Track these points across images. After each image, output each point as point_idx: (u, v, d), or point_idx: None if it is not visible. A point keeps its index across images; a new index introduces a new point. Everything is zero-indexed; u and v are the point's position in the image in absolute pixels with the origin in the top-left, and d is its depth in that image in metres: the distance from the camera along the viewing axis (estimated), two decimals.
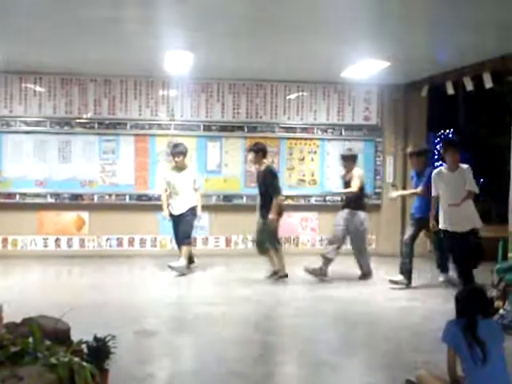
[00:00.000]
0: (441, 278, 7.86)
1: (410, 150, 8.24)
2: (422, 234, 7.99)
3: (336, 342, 5.51)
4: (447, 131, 16.37)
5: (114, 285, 7.86)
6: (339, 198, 8.67)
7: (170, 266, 8.25)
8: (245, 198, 10.03)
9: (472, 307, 3.67)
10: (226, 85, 10.21)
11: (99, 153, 9.97)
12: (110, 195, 9.97)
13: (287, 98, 10.39)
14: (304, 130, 10.42)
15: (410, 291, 7.56)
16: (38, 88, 9.80)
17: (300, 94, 10.42)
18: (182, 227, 8.43)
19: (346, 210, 8.07)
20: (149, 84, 10.03)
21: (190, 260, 8.68)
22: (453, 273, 7.54)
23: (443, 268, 7.85)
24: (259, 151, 8.10)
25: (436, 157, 15.48)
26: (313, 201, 10.41)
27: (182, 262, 8.33)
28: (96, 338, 3.74)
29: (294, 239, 10.51)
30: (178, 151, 8.47)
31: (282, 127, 10.38)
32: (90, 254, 9.83)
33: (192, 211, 8.43)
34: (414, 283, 7.73)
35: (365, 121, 10.58)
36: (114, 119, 9.97)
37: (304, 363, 4.95)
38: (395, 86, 10.39)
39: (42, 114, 9.81)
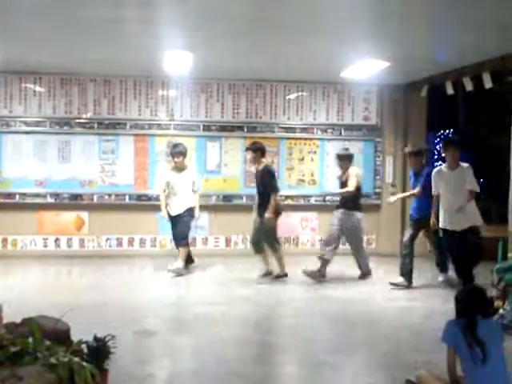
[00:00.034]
0: (440, 278, 7.87)
1: (408, 149, 8.23)
2: (421, 234, 7.99)
3: (336, 341, 5.51)
4: (447, 131, 16.36)
5: (113, 285, 7.86)
6: (339, 198, 8.63)
7: (169, 270, 8.26)
8: (244, 198, 10.03)
9: (472, 307, 3.67)
10: (226, 85, 10.21)
11: (99, 153, 9.97)
12: (109, 195, 9.97)
13: (287, 98, 10.39)
14: (304, 130, 10.42)
15: (410, 291, 7.56)
16: (37, 88, 9.80)
17: (300, 94, 10.42)
18: (179, 228, 8.42)
19: (342, 210, 8.04)
20: (148, 84, 10.03)
21: (190, 260, 8.68)
22: (452, 273, 7.54)
23: (442, 268, 7.85)
24: (257, 150, 8.09)
25: (436, 157, 15.48)
26: (312, 201, 10.41)
27: (179, 263, 8.33)
28: (96, 338, 3.74)
29: (293, 239, 10.51)
30: (177, 151, 8.45)
31: (282, 127, 10.38)
32: (90, 254, 9.83)
33: (189, 212, 8.40)
34: (414, 283, 7.73)
35: (364, 121, 10.59)
36: (114, 119, 9.97)
37: (304, 363, 4.95)
38: (395, 86, 10.39)
39: (42, 114, 9.81)
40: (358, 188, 8.06)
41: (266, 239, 8.06)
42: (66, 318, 3.97)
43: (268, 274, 8.17)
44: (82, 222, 10.01)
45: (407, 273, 7.67)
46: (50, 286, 7.84)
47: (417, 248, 7.90)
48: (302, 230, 10.52)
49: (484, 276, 6.80)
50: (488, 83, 7.95)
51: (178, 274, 8.24)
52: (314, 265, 8.02)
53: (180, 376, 4.52)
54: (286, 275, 8.11)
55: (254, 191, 8.42)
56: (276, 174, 8.47)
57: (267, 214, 7.83)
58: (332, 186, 9.86)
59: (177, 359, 5.00)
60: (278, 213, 8.02)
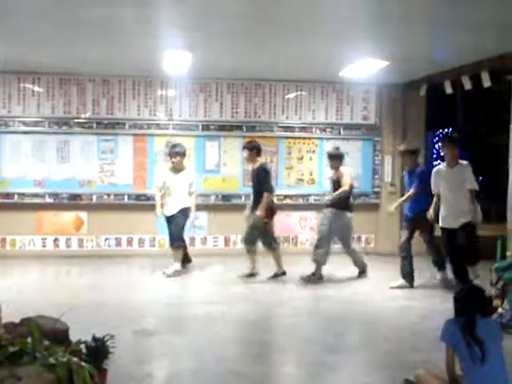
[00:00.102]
0: (438, 277, 7.85)
1: (403, 148, 8.13)
2: (417, 234, 7.95)
3: (334, 341, 5.51)
4: (445, 130, 16.37)
5: (112, 285, 7.86)
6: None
7: (164, 273, 8.25)
8: (243, 198, 10.00)
9: (471, 306, 3.67)
10: (225, 84, 10.21)
11: (98, 153, 9.97)
12: (108, 195, 9.97)
13: (286, 97, 10.39)
14: (302, 129, 10.42)
15: (409, 290, 7.56)
16: (36, 88, 9.79)
17: (298, 93, 10.42)
18: (173, 229, 8.41)
19: (332, 209, 7.97)
20: (147, 84, 10.02)
21: (187, 259, 8.68)
22: (450, 273, 7.54)
23: (440, 266, 7.82)
24: (253, 149, 8.08)
25: (434, 156, 15.49)
26: (311, 200, 10.40)
27: (176, 266, 8.33)
28: (95, 338, 3.74)
29: (292, 238, 10.51)
30: (174, 152, 8.43)
31: (281, 126, 10.38)
32: (89, 254, 9.83)
33: (183, 212, 8.35)
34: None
35: (363, 120, 10.59)
36: (113, 119, 9.96)
37: (303, 363, 4.95)
38: (393, 85, 10.39)
39: (41, 114, 9.80)
40: (351, 187, 8.03)
41: (263, 239, 8.04)
42: (64, 317, 3.96)
43: (250, 275, 8.05)
44: (80, 222, 10.00)
45: (408, 274, 7.67)
46: (49, 286, 7.84)
47: (414, 247, 7.87)
48: (301, 230, 10.53)
49: (483, 275, 6.80)
50: (486, 82, 7.95)
51: (177, 275, 8.24)
52: (310, 265, 8.03)
53: (179, 376, 4.53)
54: (285, 273, 8.10)
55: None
56: (272, 173, 8.42)
57: (258, 212, 7.80)
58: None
59: (176, 359, 5.00)
60: (273, 212, 8.00)
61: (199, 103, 10.16)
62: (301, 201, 10.45)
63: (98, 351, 3.68)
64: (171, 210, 8.37)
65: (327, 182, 10.22)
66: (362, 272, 8.32)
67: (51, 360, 3.26)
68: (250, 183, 8.37)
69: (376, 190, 10.62)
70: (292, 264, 8.28)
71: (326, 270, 8.10)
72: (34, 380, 3.08)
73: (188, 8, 6.00)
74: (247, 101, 10.28)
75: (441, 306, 6.56)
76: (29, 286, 7.69)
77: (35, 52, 8.28)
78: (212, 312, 6.39)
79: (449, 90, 8.97)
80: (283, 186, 10.32)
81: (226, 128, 10.22)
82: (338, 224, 7.98)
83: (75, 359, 3.34)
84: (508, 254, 6.88)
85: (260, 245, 8.13)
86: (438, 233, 7.78)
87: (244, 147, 8.28)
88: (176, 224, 8.36)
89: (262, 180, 7.93)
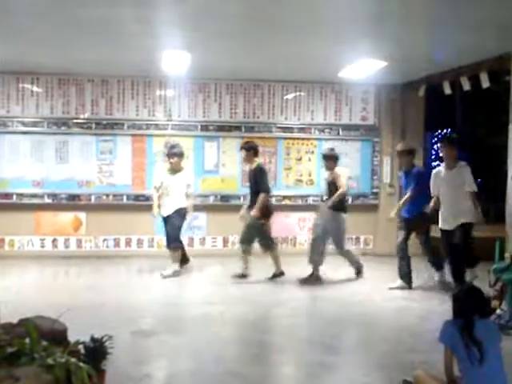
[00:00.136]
0: (436, 278, 7.84)
1: (399, 148, 8.12)
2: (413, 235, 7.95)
3: (333, 342, 5.50)
4: (444, 131, 16.38)
5: (110, 285, 7.85)
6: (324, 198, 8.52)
7: (162, 275, 8.25)
8: (242, 198, 9.99)
9: (469, 307, 3.67)
10: (224, 85, 10.21)
11: (96, 153, 9.96)
12: (107, 195, 9.97)
13: (284, 98, 10.39)
14: (301, 130, 10.42)
15: (407, 291, 7.56)
16: (35, 88, 9.79)
17: (297, 93, 10.42)
18: (169, 230, 8.40)
19: (327, 211, 7.96)
20: (146, 84, 10.02)
21: (185, 259, 8.67)
22: (448, 274, 7.54)
23: (438, 267, 7.80)
24: (250, 149, 8.07)
25: (433, 156, 15.50)
26: (310, 201, 10.39)
27: (174, 267, 8.33)
28: (93, 339, 3.74)
29: (291, 239, 10.51)
30: (171, 153, 8.41)
31: (280, 127, 10.38)
32: (87, 255, 9.82)
33: (179, 213, 8.31)
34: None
35: (362, 121, 10.59)
36: (112, 119, 9.96)
37: (301, 363, 4.95)
38: (392, 85, 10.40)
39: (39, 114, 9.80)
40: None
41: (260, 240, 8.04)
42: (63, 318, 3.96)
43: (241, 276, 8.00)
44: (79, 223, 10.00)
45: (405, 275, 7.66)
46: (47, 287, 7.84)
47: (411, 248, 7.85)
48: (300, 230, 10.52)
49: (481, 276, 6.81)
50: (485, 83, 7.96)
51: (176, 275, 8.24)
52: (309, 266, 8.04)
53: (177, 376, 4.52)
54: (283, 274, 8.10)
55: None
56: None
57: (253, 212, 7.79)
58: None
59: (174, 359, 5.00)
60: (270, 213, 8.00)
61: (198, 104, 10.16)
62: (299, 201, 10.45)
63: (97, 352, 3.68)
64: (168, 210, 8.36)
65: (324, 183, 10.26)
66: (358, 272, 8.31)
67: (49, 361, 3.25)
68: (248, 183, 8.36)
69: (375, 190, 10.62)
70: (290, 265, 8.27)
71: (324, 270, 8.10)
72: (32, 381, 3.07)
73: (187, 8, 6.00)
74: (246, 101, 10.28)
75: (439, 307, 6.57)
76: (27, 287, 7.69)
77: (34, 52, 8.27)
78: (210, 312, 6.39)
79: (448, 90, 8.97)
80: (282, 186, 10.33)
81: (224, 128, 10.22)
82: (333, 225, 7.97)
83: (73, 360, 3.33)
84: (506, 255, 6.88)
85: (257, 246, 8.12)
86: (435, 234, 7.80)
87: (241, 148, 8.27)
88: (172, 225, 8.34)
89: (258, 180, 7.93)
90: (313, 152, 10.47)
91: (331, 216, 7.92)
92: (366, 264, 8.51)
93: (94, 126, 9.91)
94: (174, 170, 8.44)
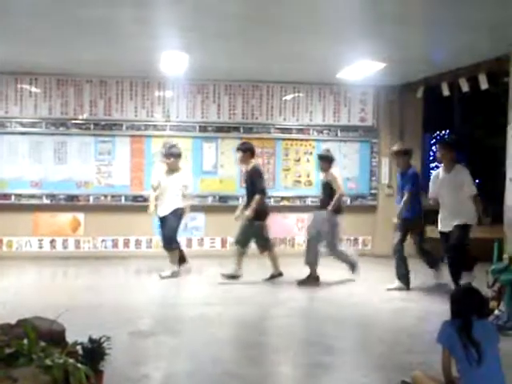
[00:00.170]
0: (435, 279, 7.84)
1: (396, 148, 8.11)
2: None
3: (330, 342, 5.50)
4: (443, 132, 16.40)
5: (109, 286, 7.85)
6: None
7: (160, 276, 8.24)
8: (240, 199, 9.99)
9: (467, 308, 3.67)
10: (222, 86, 10.22)
11: (95, 154, 9.96)
12: (105, 196, 9.97)
13: (283, 99, 10.40)
14: (300, 130, 10.43)
15: (405, 292, 7.56)
16: (33, 89, 9.79)
17: (296, 95, 10.43)
18: (165, 231, 8.38)
19: (322, 212, 7.97)
20: (144, 85, 10.02)
21: (183, 260, 8.65)
22: (446, 273, 7.54)
23: (433, 265, 7.79)
24: (247, 150, 8.06)
25: (431, 158, 15.52)
26: (308, 202, 10.39)
27: (173, 267, 8.32)
28: (91, 340, 3.74)
29: (289, 240, 10.51)
30: (168, 153, 8.39)
31: (278, 128, 10.38)
32: (86, 256, 9.82)
33: (174, 214, 8.28)
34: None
35: (360, 122, 10.60)
36: (110, 120, 9.96)
37: (298, 364, 4.95)
38: (391, 87, 10.40)
39: (38, 114, 9.80)
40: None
41: (256, 241, 8.03)
42: (61, 319, 3.96)
43: (232, 277, 7.96)
44: (77, 223, 9.99)
45: (403, 275, 7.66)
46: (46, 287, 7.83)
47: (408, 249, 7.83)
48: (298, 231, 10.52)
49: (479, 277, 6.81)
50: (484, 84, 7.96)
51: (175, 276, 8.24)
52: (307, 267, 8.03)
53: (175, 377, 4.52)
54: (281, 274, 8.10)
55: None
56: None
57: (247, 212, 7.79)
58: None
59: (172, 360, 4.99)
60: (265, 214, 7.99)
61: (196, 104, 10.16)
62: (298, 202, 10.45)
63: (95, 353, 3.67)
64: (164, 210, 8.35)
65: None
66: (353, 267, 8.22)
67: (47, 361, 3.25)
68: (244, 185, 8.35)
69: (373, 191, 10.63)
70: (289, 265, 8.27)
71: (322, 271, 8.09)
72: (30, 381, 3.07)
73: (186, 9, 6.01)
74: (244, 102, 10.29)
75: (437, 307, 6.56)
76: (25, 288, 7.68)
77: (33, 52, 8.27)
78: (208, 313, 6.39)
79: (446, 92, 8.98)
80: (280, 187, 10.34)
81: (223, 129, 10.23)
82: (328, 227, 7.95)
83: (71, 361, 3.33)
84: (504, 256, 6.88)
85: (254, 247, 8.12)
86: (432, 235, 7.80)
87: (238, 149, 8.23)
88: (168, 225, 8.32)
89: (254, 181, 7.92)
90: (311, 153, 10.48)
91: (325, 217, 7.92)
92: (364, 265, 8.51)
93: (92, 126, 9.91)
94: (171, 170, 8.43)
